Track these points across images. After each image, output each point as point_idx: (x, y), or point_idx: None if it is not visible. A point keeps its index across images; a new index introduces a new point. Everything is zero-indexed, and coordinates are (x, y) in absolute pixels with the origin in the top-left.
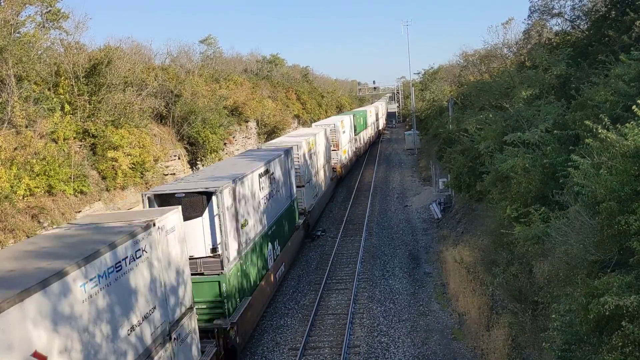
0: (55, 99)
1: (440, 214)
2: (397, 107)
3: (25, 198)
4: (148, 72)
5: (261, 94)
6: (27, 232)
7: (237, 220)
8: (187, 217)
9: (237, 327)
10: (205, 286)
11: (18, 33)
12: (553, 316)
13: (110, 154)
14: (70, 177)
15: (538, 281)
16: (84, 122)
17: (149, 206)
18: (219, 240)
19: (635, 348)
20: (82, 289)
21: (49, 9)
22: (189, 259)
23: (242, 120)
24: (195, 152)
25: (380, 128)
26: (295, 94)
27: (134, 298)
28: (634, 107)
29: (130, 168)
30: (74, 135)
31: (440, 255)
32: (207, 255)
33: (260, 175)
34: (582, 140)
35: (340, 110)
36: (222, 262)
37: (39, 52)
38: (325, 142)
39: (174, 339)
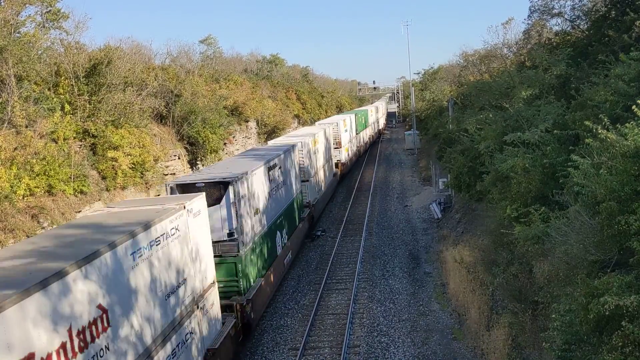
0: (55, 99)
1: (440, 213)
2: (397, 107)
3: (25, 198)
4: (148, 72)
5: (261, 94)
6: (27, 232)
7: (250, 208)
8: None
9: (251, 304)
10: (224, 267)
11: (18, 33)
12: (553, 316)
13: (110, 153)
14: (70, 177)
15: (538, 281)
16: (84, 122)
17: (171, 195)
18: (234, 226)
19: (635, 348)
20: (131, 257)
21: (49, 8)
22: None
23: (242, 120)
24: (195, 152)
25: (380, 128)
26: (295, 93)
27: (169, 268)
28: (633, 107)
29: (130, 168)
30: (74, 135)
31: (440, 255)
32: (225, 239)
33: (269, 169)
34: (582, 140)
35: (340, 110)
36: (238, 245)
37: (39, 52)
38: (328, 140)
39: (200, 307)
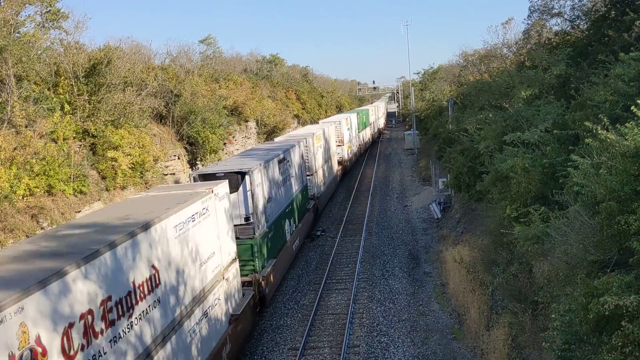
0: (54, 99)
1: (440, 213)
2: (397, 107)
3: (25, 198)
4: (148, 72)
5: (261, 93)
6: (27, 232)
7: (263, 196)
8: None
9: (266, 281)
10: (241, 248)
11: (18, 33)
12: (553, 316)
13: (110, 153)
14: (70, 177)
15: (538, 281)
16: (83, 122)
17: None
18: (250, 211)
19: (635, 348)
20: (174, 229)
21: (49, 8)
22: None
23: (241, 120)
24: (195, 152)
25: (380, 127)
26: (295, 93)
27: (202, 242)
28: (633, 107)
29: (130, 168)
30: (74, 135)
31: (440, 255)
32: (242, 223)
33: (279, 162)
34: (581, 140)
35: (340, 110)
36: (253, 229)
37: (39, 52)
38: (332, 137)
39: (225, 279)
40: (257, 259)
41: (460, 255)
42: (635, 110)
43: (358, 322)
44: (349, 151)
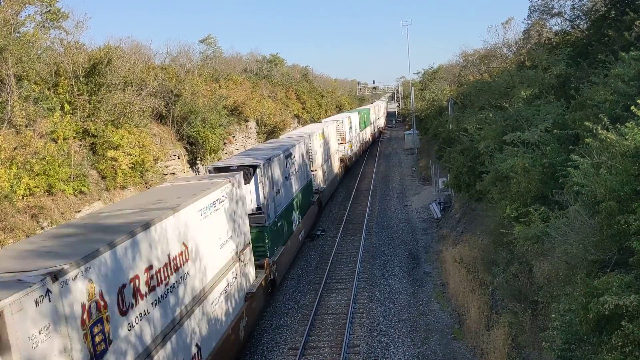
0: (55, 99)
1: (439, 213)
2: (397, 106)
3: (25, 198)
4: (148, 72)
5: (261, 93)
6: (27, 232)
7: (273, 188)
8: None
9: (276, 265)
10: (254, 234)
11: (18, 33)
12: (553, 316)
13: (110, 153)
14: (70, 177)
15: (538, 281)
16: (83, 122)
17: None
18: (262, 201)
19: (635, 348)
20: (200, 213)
21: (49, 8)
22: None
23: (241, 120)
24: (195, 151)
25: (380, 127)
26: (295, 93)
27: (221, 225)
28: (632, 107)
29: (130, 168)
30: (74, 135)
31: (440, 254)
32: (254, 212)
33: (286, 157)
34: (581, 139)
35: (340, 109)
36: (264, 217)
37: (39, 51)
38: (334, 135)
39: (241, 260)
40: (267, 245)
41: (460, 255)
42: (635, 110)
43: (358, 321)
44: (351, 149)
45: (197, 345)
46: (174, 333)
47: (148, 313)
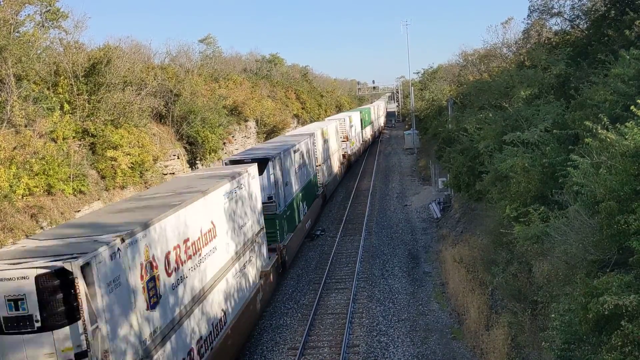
0: (54, 99)
1: (439, 213)
2: (397, 106)
3: (25, 197)
4: (147, 72)
5: (260, 93)
6: (26, 232)
7: (282, 180)
8: None
9: (285, 249)
10: (267, 221)
11: (17, 32)
12: (552, 316)
13: (110, 153)
14: (70, 177)
15: (537, 281)
16: (83, 122)
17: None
18: (273, 191)
19: (635, 348)
20: (223, 197)
21: (49, 8)
22: None
23: (241, 120)
24: (195, 151)
25: (380, 126)
26: (295, 93)
27: (240, 209)
28: (632, 107)
29: (129, 167)
30: (73, 135)
31: (439, 254)
32: (266, 201)
33: (294, 152)
34: (581, 139)
35: (339, 109)
36: (276, 206)
37: (38, 51)
38: (337, 133)
39: (257, 242)
40: (278, 231)
41: (459, 255)
42: (634, 109)
43: (358, 321)
44: (353, 147)
45: (222, 310)
46: (204, 299)
47: (186, 277)
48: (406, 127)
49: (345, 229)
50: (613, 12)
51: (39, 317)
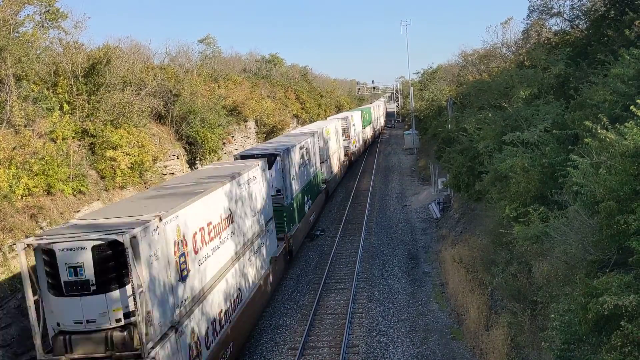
0: (54, 99)
1: (439, 213)
2: (396, 106)
3: (24, 197)
4: (147, 72)
5: (260, 93)
6: (26, 232)
7: (289, 175)
8: None
9: (292, 239)
10: (275, 213)
11: (17, 33)
12: (552, 316)
13: (109, 153)
14: (69, 177)
15: (537, 281)
16: (82, 122)
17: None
18: (281, 185)
19: (635, 348)
20: (240, 187)
21: (48, 8)
22: None
23: (241, 120)
24: (194, 151)
25: (379, 126)
26: (294, 93)
27: (254, 199)
28: (632, 107)
29: (129, 168)
30: (73, 135)
31: (439, 254)
32: (275, 194)
33: (300, 149)
34: (581, 139)
35: (339, 109)
36: (283, 198)
37: (38, 51)
38: (340, 132)
39: (268, 230)
40: (285, 221)
41: (459, 255)
42: (634, 109)
43: (357, 322)
44: (354, 145)
45: (239, 288)
46: (223, 277)
47: (209, 257)
48: (406, 127)
49: (345, 229)
50: (613, 12)
51: (94, 282)
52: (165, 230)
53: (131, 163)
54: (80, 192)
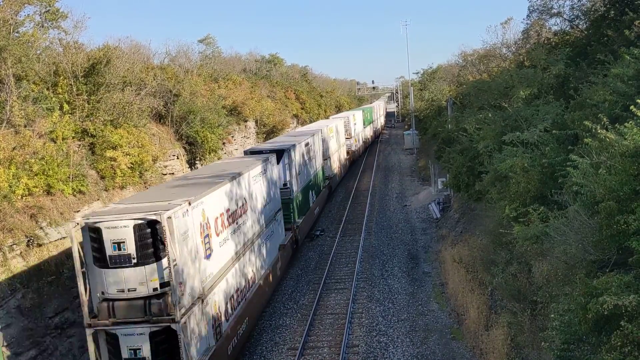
0: (54, 99)
1: (439, 213)
2: (396, 106)
3: (24, 197)
4: (147, 72)
5: (260, 93)
6: (26, 232)
7: (296, 170)
8: None
9: (298, 229)
10: (283, 204)
11: (17, 33)
12: (552, 316)
13: (109, 153)
14: (69, 177)
15: (537, 281)
16: (82, 122)
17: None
18: (288, 179)
19: (634, 348)
20: (254, 179)
21: (48, 8)
22: None
23: (240, 120)
24: (194, 151)
25: (379, 126)
26: (294, 93)
27: (264, 190)
28: (632, 107)
29: (129, 168)
30: (73, 135)
31: (439, 254)
32: (282, 187)
33: (305, 146)
34: (581, 140)
35: (339, 109)
36: (290, 191)
37: (38, 51)
38: (342, 131)
39: (276, 219)
40: (292, 213)
41: (459, 255)
42: (634, 109)
43: (357, 321)
44: (356, 143)
45: (252, 271)
46: (239, 259)
47: (228, 239)
48: (406, 127)
49: (345, 229)
50: (612, 12)
51: (135, 256)
52: (193, 213)
53: (131, 163)
54: (80, 192)
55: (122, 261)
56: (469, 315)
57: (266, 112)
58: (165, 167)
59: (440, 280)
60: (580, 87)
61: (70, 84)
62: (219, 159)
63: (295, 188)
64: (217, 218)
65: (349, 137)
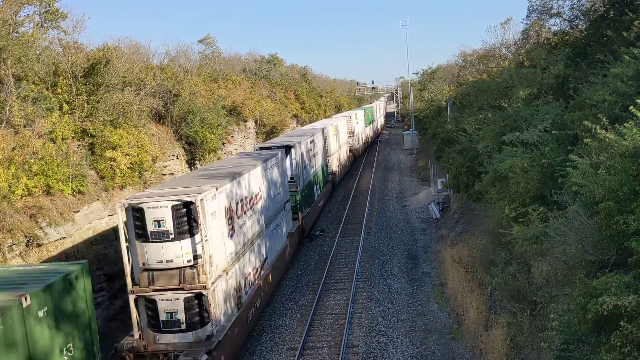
0: (53, 99)
1: (438, 213)
2: (396, 107)
3: (24, 198)
4: (146, 72)
5: (260, 93)
6: (25, 232)
7: (302, 164)
8: None
9: (304, 220)
10: (290, 196)
11: (17, 33)
12: (551, 316)
13: (109, 153)
14: (69, 177)
15: (536, 281)
16: (82, 122)
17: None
18: (295, 173)
19: (634, 348)
20: (267, 170)
21: (48, 8)
22: None
23: (240, 120)
24: (194, 151)
25: (379, 127)
26: (294, 93)
27: (275, 183)
28: (631, 107)
29: (128, 168)
30: (72, 135)
31: (438, 255)
32: (290, 180)
33: (311, 142)
34: (580, 140)
35: (339, 110)
36: (297, 184)
37: (38, 51)
38: (344, 129)
39: (285, 209)
40: (299, 204)
41: (459, 255)
42: (634, 110)
43: (357, 322)
44: (358, 142)
45: (265, 253)
46: (255, 242)
47: (245, 223)
48: (405, 127)
49: (345, 229)
50: (612, 12)
51: (172, 232)
52: (220, 197)
53: (130, 163)
54: (79, 192)
55: (161, 236)
56: (469, 316)
57: (266, 112)
58: (165, 167)
59: (440, 280)
60: (579, 87)
61: (70, 84)
62: (218, 159)
63: (302, 181)
64: (238, 203)
65: (351, 135)
